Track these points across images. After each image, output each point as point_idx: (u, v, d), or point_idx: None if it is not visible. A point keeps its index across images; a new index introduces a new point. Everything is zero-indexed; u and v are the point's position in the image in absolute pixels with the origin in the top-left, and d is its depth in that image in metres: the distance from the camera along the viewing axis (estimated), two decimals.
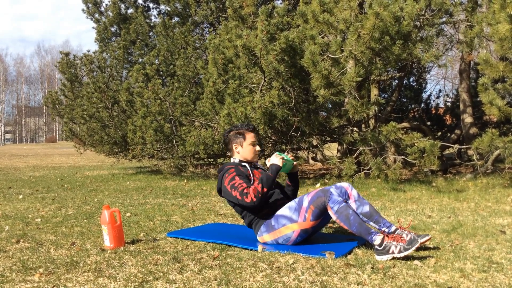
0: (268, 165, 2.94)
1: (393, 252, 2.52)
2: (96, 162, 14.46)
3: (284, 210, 2.88)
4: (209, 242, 3.05)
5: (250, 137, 3.11)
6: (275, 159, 2.92)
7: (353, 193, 2.90)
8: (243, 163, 3.08)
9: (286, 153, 3.06)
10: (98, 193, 6.11)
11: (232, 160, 3.15)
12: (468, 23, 6.32)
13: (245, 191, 2.79)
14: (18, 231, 3.53)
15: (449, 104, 11.83)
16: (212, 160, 9.10)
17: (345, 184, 2.93)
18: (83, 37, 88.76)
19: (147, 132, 7.46)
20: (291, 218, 2.82)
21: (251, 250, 2.83)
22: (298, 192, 5.48)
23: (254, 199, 2.76)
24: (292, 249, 2.75)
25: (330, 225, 3.66)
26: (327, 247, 2.79)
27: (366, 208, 2.84)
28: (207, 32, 11.21)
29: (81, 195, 5.90)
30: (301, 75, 6.16)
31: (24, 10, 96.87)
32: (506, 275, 2.28)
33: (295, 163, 3.08)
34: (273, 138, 7.33)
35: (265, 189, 2.79)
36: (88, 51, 10.55)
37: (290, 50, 5.82)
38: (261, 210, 2.93)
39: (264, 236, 2.93)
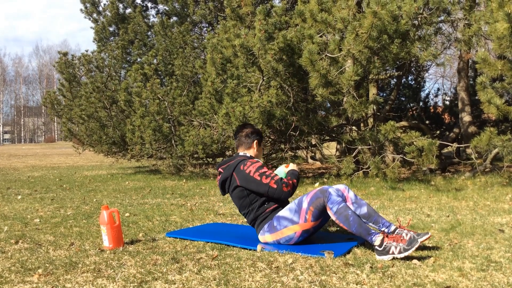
0: (286, 170, 3.09)
1: (393, 253, 2.52)
2: (94, 162, 14.44)
3: (284, 212, 2.88)
4: (208, 242, 3.05)
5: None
6: (293, 166, 3.11)
7: (350, 195, 2.88)
8: (255, 159, 3.12)
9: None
10: (97, 193, 6.11)
11: (242, 153, 3.16)
12: (466, 22, 6.31)
13: (282, 180, 2.89)
14: (17, 232, 3.52)
15: (447, 102, 11.85)
16: (211, 159, 9.09)
17: (341, 186, 2.91)
18: (77, 36, 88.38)
19: (146, 132, 7.45)
20: (292, 220, 2.82)
21: (250, 250, 2.83)
22: (297, 192, 5.50)
23: (291, 190, 2.90)
24: (291, 249, 2.75)
25: (329, 224, 3.66)
26: (326, 247, 2.79)
27: (364, 209, 2.82)
28: (206, 32, 11.20)
29: (80, 195, 5.89)
30: (299, 74, 6.16)
31: (17, 9, 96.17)
32: (504, 274, 2.28)
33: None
34: (271, 137, 7.34)
35: (296, 183, 2.96)
36: (87, 51, 10.53)
37: (288, 49, 5.82)
38: (276, 203, 2.99)
39: (266, 236, 2.93)
